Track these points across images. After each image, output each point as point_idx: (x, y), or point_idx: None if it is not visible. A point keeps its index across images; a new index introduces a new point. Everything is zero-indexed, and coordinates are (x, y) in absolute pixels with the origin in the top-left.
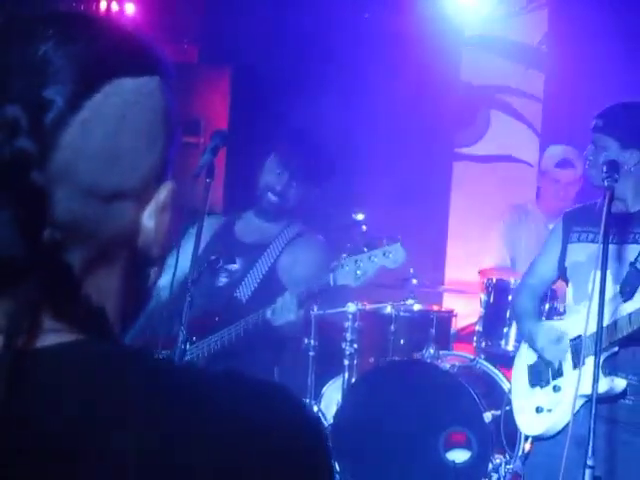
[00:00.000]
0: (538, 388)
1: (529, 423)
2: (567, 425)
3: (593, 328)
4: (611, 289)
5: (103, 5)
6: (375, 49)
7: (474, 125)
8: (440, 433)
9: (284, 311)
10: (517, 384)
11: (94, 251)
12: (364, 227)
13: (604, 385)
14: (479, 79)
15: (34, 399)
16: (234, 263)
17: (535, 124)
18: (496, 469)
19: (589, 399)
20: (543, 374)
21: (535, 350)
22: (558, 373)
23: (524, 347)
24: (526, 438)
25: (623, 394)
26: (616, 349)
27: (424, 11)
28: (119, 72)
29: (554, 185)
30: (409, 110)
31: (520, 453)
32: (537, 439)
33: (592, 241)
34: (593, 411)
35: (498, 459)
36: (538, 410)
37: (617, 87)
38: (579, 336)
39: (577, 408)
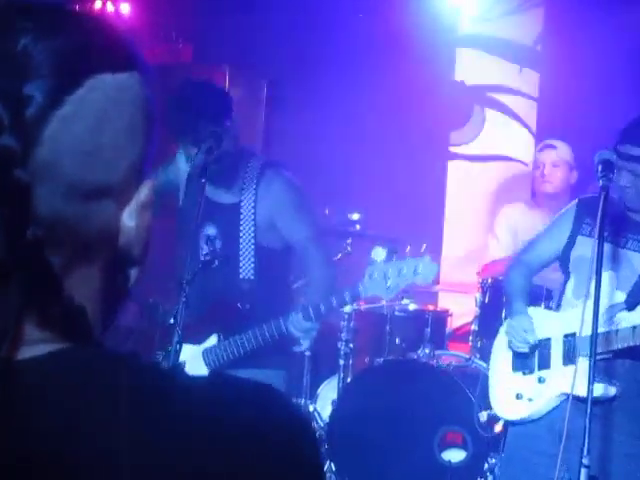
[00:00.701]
0: (521, 374)
1: (507, 407)
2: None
3: (589, 330)
4: (615, 294)
5: (98, 4)
6: (369, 49)
7: (469, 124)
8: (435, 433)
9: (309, 332)
10: (497, 365)
11: (74, 251)
12: (358, 226)
13: (596, 389)
14: (473, 78)
15: (24, 408)
16: (211, 228)
17: (530, 123)
18: (492, 469)
19: (568, 397)
20: (529, 361)
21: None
22: (545, 364)
23: None
24: (497, 419)
25: (612, 399)
26: (609, 356)
27: (418, 10)
28: (100, 67)
29: (538, 169)
30: (403, 109)
31: None
32: (512, 424)
33: (604, 239)
34: (588, 411)
35: (494, 459)
36: (518, 397)
37: (612, 86)
38: (574, 334)
39: (557, 403)
